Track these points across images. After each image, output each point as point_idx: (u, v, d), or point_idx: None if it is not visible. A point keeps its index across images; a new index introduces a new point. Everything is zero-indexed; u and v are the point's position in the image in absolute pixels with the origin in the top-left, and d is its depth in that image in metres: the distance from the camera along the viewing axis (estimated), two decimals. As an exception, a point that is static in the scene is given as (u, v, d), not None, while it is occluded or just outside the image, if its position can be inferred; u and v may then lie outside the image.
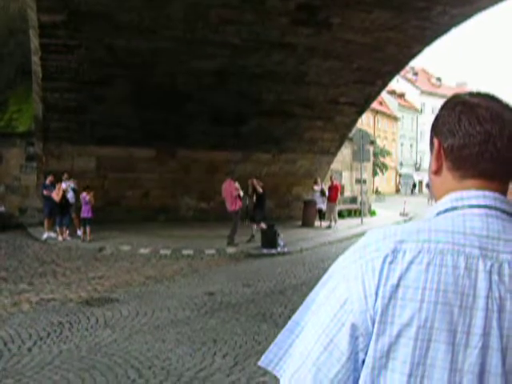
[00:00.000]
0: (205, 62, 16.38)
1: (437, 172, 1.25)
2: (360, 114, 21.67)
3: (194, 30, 14.92)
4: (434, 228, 1.13)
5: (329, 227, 20.63)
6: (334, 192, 21.26)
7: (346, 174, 26.37)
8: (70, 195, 16.06)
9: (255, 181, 16.92)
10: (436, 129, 1.26)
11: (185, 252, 14.12)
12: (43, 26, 13.87)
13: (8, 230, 17.20)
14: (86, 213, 15.70)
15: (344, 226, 20.74)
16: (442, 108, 1.27)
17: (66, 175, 16.61)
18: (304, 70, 17.70)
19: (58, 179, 16.27)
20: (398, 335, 1.07)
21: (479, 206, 1.15)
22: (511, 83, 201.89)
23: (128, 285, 10.42)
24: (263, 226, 15.85)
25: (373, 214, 26.91)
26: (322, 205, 21.25)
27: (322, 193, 21.12)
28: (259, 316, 8.16)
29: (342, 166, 25.81)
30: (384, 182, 64.91)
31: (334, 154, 23.09)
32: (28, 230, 17.46)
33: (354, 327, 1.10)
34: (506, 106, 1.22)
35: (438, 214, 1.20)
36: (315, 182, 21.47)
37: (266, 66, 17.13)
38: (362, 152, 22.70)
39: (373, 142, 29.23)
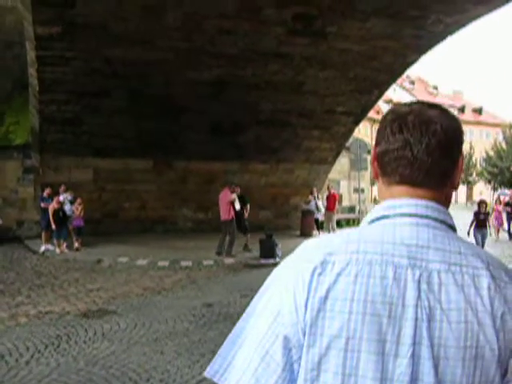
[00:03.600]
0: (202, 73, 16.39)
1: (375, 177, 1.29)
2: (357, 123, 21.67)
3: (190, 41, 14.94)
4: (363, 238, 1.14)
5: (327, 237, 20.53)
6: (331, 201, 21.24)
7: (343, 184, 26.37)
8: (68, 207, 16.03)
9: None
10: (375, 137, 1.30)
11: (183, 263, 14.07)
12: (39, 38, 13.88)
13: (5, 243, 17.13)
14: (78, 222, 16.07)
15: (342, 236, 20.62)
16: (382, 117, 1.30)
17: (63, 187, 16.62)
18: (301, 79, 17.72)
19: (55, 192, 16.27)
20: (328, 347, 1.08)
21: (410, 215, 1.16)
22: (508, 89, 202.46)
23: (126, 297, 10.37)
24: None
25: (371, 222, 26.84)
26: (319, 215, 21.24)
27: (316, 205, 21.09)
28: (258, 326, 8.10)
29: (340, 175, 25.82)
30: (382, 190, 64.88)
31: (332, 164, 23.08)
32: (25, 243, 17.40)
33: (286, 339, 1.11)
34: (445, 116, 1.21)
35: (371, 221, 1.21)
36: (311, 193, 21.45)
37: (263, 76, 17.15)
38: (360, 161, 22.70)
39: (370, 151, 29.27)
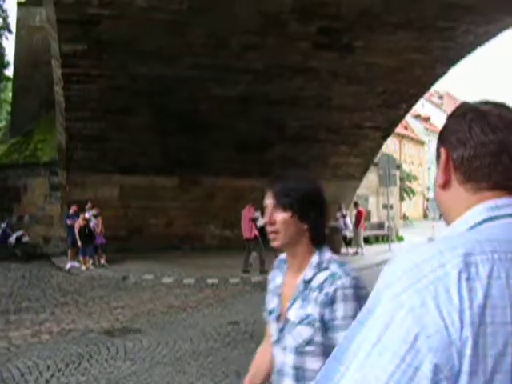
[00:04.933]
0: (227, 89, 16.32)
1: (445, 185, 1.11)
2: (385, 138, 21.43)
3: (215, 57, 14.88)
4: (492, 238, 0.95)
5: (356, 254, 20.29)
6: (358, 218, 20.98)
7: (372, 200, 26.02)
8: (93, 224, 16.03)
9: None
10: (443, 138, 1.13)
11: (209, 281, 13.88)
12: (65, 55, 13.94)
13: (33, 260, 17.20)
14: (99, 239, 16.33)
15: (371, 253, 20.35)
16: (450, 116, 1.15)
17: (89, 204, 16.63)
18: (328, 94, 17.55)
19: (82, 208, 16.29)
20: (494, 370, 0.84)
21: None
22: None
23: (150, 315, 10.21)
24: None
25: (400, 239, 26.45)
26: (347, 231, 20.96)
27: (344, 222, 20.81)
28: (284, 346, 7.86)
29: (369, 191, 25.48)
30: (411, 207, 64.18)
31: (360, 180, 22.82)
32: (52, 260, 17.41)
33: (436, 369, 0.83)
34: None
35: (473, 226, 1.02)
36: (339, 209, 21.18)
37: (289, 92, 17.01)
38: (388, 177, 22.39)
39: (399, 167, 28.92)
